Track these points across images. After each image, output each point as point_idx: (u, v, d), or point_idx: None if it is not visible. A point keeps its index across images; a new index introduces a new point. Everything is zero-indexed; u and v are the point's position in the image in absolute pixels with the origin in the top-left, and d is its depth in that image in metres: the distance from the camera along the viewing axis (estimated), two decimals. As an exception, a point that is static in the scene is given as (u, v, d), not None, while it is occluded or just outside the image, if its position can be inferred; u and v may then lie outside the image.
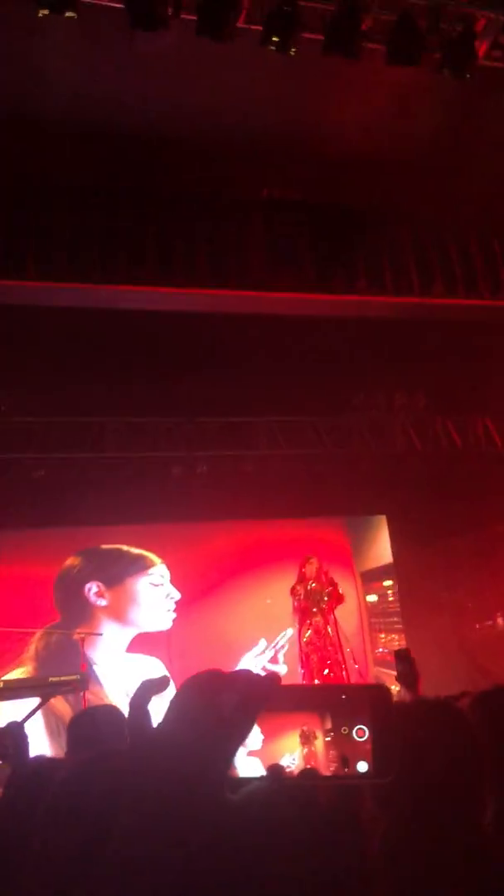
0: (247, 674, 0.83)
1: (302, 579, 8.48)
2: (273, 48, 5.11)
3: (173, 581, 9.57)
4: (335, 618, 8.22)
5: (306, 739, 0.84)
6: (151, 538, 9.66)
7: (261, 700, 0.82)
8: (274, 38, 5.07)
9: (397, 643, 9.26)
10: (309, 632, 8.18)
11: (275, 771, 0.85)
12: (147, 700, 0.85)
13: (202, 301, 6.86)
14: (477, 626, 8.54)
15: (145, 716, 0.83)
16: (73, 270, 6.12)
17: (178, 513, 9.39)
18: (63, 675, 5.50)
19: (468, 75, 5.34)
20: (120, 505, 8.91)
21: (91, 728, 2.60)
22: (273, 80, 5.78)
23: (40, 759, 2.32)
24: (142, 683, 0.85)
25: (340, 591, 8.39)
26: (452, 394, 8.60)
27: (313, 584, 8.39)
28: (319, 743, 0.84)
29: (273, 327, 7.49)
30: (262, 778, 0.84)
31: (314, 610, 8.22)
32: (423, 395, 8.87)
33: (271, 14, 5.03)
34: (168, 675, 0.94)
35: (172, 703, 0.84)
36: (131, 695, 0.86)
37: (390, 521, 10.16)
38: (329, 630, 8.17)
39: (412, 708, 1.87)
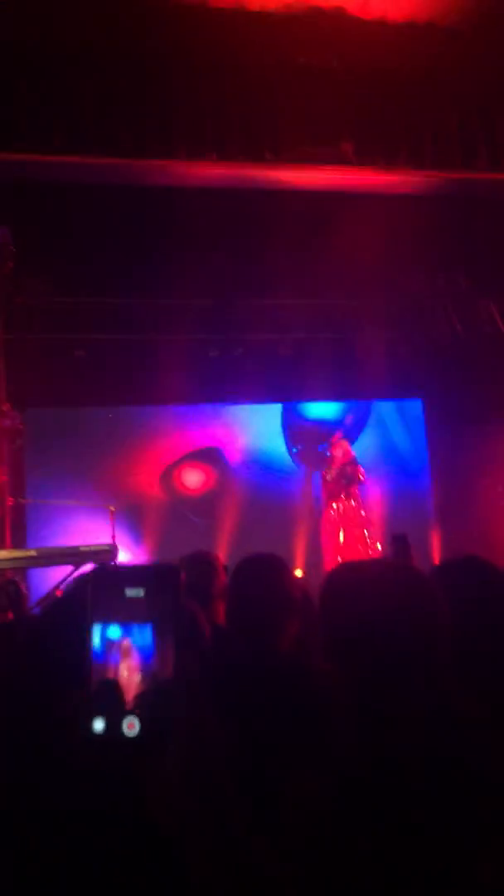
0: None
1: (331, 461, 8.59)
2: None
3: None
4: (360, 497, 8.39)
5: None
6: (192, 418, 9.85)
7: None
8: None
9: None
10: (336, 507, 8.33)
11: None
12: None
13: (234, 177, 6.66)
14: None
15: None
16: (102, 144, 5.96)
17: (216, 394, 9.53)
18: (93, 545, 5.77)
19: None
20: (158, 386, 9.02)
21: None
22: None
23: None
24: None
25: (362, 473, 8.48)
26: (496, 275, 8.29)
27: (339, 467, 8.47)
28: None
29: (307, 203, 7.23)
30: None
31: (342, 489, 8.36)
32: (465, 277, 8.60)
33: None
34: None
35: None
36: None
37: (426, 405, 10.11)
38: (356, 509, 8.35)
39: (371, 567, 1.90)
